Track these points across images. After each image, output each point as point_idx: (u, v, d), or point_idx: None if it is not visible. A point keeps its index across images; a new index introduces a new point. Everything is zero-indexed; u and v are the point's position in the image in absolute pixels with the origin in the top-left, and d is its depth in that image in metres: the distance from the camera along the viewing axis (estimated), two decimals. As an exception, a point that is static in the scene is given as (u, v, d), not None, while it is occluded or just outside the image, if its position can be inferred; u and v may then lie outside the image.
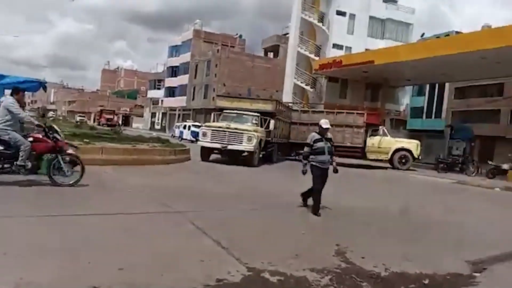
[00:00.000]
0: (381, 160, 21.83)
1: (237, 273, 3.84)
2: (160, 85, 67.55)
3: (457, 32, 33.71)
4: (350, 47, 38.58)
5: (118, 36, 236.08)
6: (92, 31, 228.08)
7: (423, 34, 41.28)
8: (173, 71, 61.53)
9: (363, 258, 4.69)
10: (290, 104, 26.50)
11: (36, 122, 7.16)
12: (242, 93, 28.02)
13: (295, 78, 37.55)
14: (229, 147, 15.09)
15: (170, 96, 61.61)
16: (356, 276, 4.14)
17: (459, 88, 40.88)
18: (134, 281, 3.41)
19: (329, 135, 7.10)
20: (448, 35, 33.44)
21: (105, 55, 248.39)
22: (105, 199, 6.65)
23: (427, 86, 43.00)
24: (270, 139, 17.18)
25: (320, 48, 37.91)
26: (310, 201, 7.27)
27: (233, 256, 4.30)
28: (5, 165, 6.68)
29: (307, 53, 37.17)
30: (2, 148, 6.59)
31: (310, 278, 3.93)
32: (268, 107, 17.76)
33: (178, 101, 58.51)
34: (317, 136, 6.96)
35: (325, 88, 36.24)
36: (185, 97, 56.67)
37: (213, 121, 17.14)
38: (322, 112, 23.12)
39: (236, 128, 15.18)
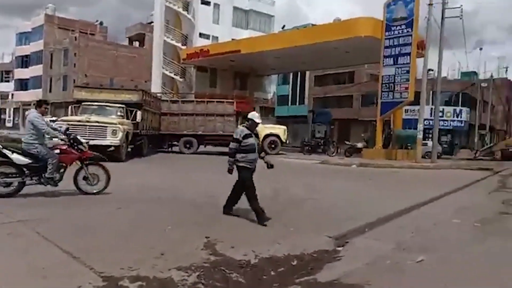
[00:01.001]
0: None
1: (89, 285, 3.30)
2: (8, 77, 59.24)
3: (313, 25, 36.37)
4: (217, 37, 38.90)
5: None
6: None
7: (284, 26, 43.76)
8: (24, 61, 54.50)
9: (232, 247, 4.52)
10: (159, 95, 25.54)
11: (61, 136, 7.13)
12: (105, 84, 25.98)
13: (163, 68, 36.41)
14: (92, 142, 13.65)
15: (21, 89, 54.46)
16: (226, 267, 3.95)
17: (318, 76, 44.57)
18: None
19: (257, 130, 6.29)
20: (305, 27, 35.87)
21: None
22: None
23: (291, 75, 45.90)
24: (138, 131, 16.23)
25: (187, 37, 37.35)
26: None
27: (86, 266, 3.72)
28: (34, 178, 6.81)
29: (173, 42, 36.27)
30: (30, 161, 6.72)
31: (176, 278, 3.60)
32: (134, 97, 16.77)
33: (33, 95, 51.90)
34: (247, 131, 6.00)
35: (194, 77, 35.87)
36: (41, 90, 50.74)
37: (71, 115, 15.45)
38: (192, 101, 22.79)
39: (97, 121, 13.90)
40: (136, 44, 53.77)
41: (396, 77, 21.10)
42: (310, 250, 4.71)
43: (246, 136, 5.94)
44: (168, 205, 6.84)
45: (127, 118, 15.51)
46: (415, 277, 4.03)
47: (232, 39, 35.37)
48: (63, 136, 7.13)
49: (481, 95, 41.13)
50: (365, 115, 36.19)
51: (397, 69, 21.08)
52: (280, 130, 23.15)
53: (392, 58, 21.30)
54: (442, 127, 30.08)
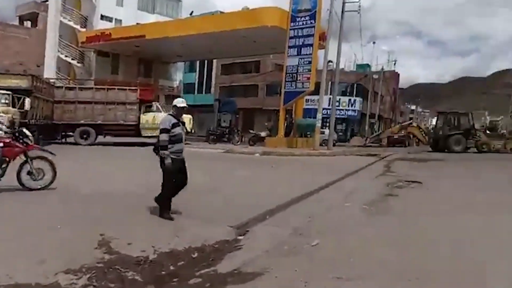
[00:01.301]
0: (156, 137, 21.76)
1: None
2: None
3: (221, 12, 36.23)
4: (121, 20, 36.96)
5: None
6: None
7: (192, 12, 42.94)
8: None
9: (130, 244, 4.34)
10: (52, 81, 23.49)
11: (5, 130, 7.13)
12: (-12, 68, 23.16)
13: (58, 51, 33.57)
14: (-31, 133, 12.20)
15: None
16: (121, 266, 3.77)
17: (225, 65, 44.66)
18: None
19: (183, 117, 5.99)
20: (213, 14, 35.59)
21: None
22: None
23: (198, 63, 45.35)
24: (26, 121, 14.80)
25: (86, 19, 34.82)
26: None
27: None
28: None
29: (71, 23, 33.59)
30: None
31: (64, 283, 3.34)
32: (23, 83, 15.33)
33: None
34: (174, 120, 5.62)
35: (94, 63, 33.68)
36: None
37: None
38: (91, 88, 21.37)
39: (-23, 110, 12.38)
40: (28, 24, 48.53)
41: (299, 68, 21.87)
42: (211, 241, 4.70)
43: (174, 125, 5.60)
44: (59, 201, 6.34)
45: (14, 106, 14.12)
46: (310, 260, 4.22)
47: (137, 23, 33.81)
48: (8, 129, 7.13)
49: (373, 86, 44.84)
50: (269, 104, 37.20)
51: (300, 59, 21.86)
52: (185, 119, 22.76)
53: (296, 49, 22.00)
54: (338, 116, 32.11)
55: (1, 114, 12.68)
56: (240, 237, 5.00)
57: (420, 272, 3.89)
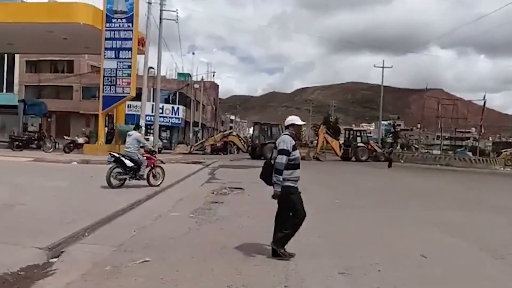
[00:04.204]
0: None
1: None
2: None
3: (22, 1, 31.62)
4: None
5: None
6: None
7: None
8: None
9: None
10: None
11: (149, 147, 11.23)
12: None
13: None
14: None
15: None
16: None
17: (31, 61, 39.54)
18: None
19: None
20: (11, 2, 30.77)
21: None
22: None
23: (-7, 56, 38.64)
24: None
25: None
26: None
27: None
28: (132, 175, 9.89)
29: None
30: (133, 164, 9.80)
31: None
32: None
33: None
34: (293, 141, 4.71)
35: None
36: None
37: None
38: None
39: None
40: None
41: (118, 71, 20.76)
42: (15, 268, 3.95)
43: (294, 147, 4.71)
44: None
45: None
46: (134, 280, 3.88)
47: None
48: (152, 148, 11.30)
49: (194, 95, 46.10)
50: (87, 108, 34.58)
51: (119, 63, 20.77)
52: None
53: (113, 51, 20.81)
54: (162, 123, 31.90)
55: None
56: (53, 260, 4.36)
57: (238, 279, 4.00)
